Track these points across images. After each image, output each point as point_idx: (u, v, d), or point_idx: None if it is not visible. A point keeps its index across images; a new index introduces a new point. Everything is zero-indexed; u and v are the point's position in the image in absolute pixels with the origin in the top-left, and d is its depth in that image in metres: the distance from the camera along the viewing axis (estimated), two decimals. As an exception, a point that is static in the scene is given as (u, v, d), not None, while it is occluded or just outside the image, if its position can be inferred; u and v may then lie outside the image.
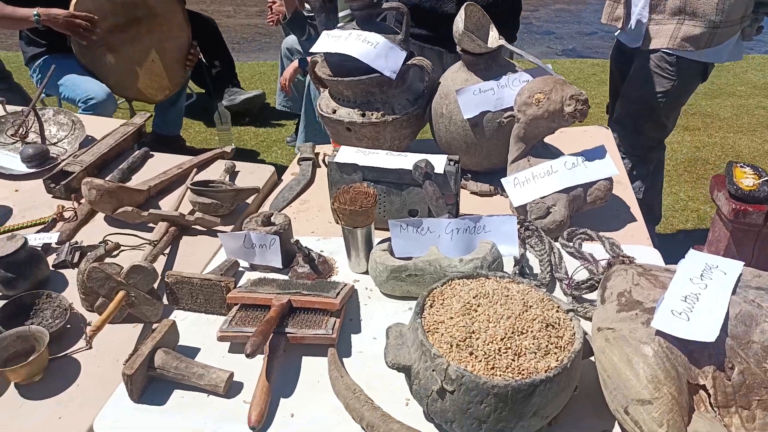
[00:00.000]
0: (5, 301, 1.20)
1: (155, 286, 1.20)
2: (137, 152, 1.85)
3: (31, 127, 1.91)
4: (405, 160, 1.44)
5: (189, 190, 1.53)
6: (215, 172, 1.79)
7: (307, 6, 3.49)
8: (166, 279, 1.20)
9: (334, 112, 1.65)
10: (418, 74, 1.70)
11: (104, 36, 2.82)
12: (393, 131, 1.64)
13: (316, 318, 1.10)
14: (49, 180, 1.64)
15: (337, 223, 1.28)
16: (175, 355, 1.01)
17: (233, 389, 1.01)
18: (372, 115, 1.61)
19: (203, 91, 4.33)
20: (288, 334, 1.06)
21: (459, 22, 1.50)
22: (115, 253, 1.41)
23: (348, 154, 1.48)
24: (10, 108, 2.12)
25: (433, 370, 0.85)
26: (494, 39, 1.57)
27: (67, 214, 1.52)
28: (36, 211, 1.59)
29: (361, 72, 1.57)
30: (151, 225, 1.52)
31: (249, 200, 1.63)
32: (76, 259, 1.38)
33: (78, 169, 1.68)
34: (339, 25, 1.77)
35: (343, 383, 0.98)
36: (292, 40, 3.64)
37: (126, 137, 1.88)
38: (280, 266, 1.31)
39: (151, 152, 1.88)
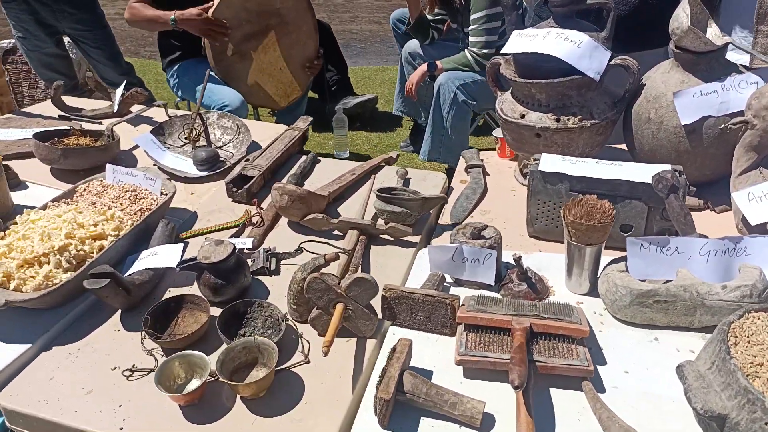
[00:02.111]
0: (223, 309, 1.17)
1: (369, 299, 1.14)
2: (306, 157, 1.82)
3: (201, 131, 1.93)
4: (619, 170, 1.31)
5: (376, 197, 1.47)
6: (383, 177, 1.73)
7: (435, 10, 3.43)
8: (383, 293, 1.13)
9: (523, 116, 1.54)
10: (616, 75, 1.55)
11: (238, 43, 2.86)
12: (588, 138, 1.51)
13: (561, 345, 0.99)
14: (231, 184, 1.63)
15: (536, 237, 1.16)
16: (422, 379, 0.93)
17: (485, 421, 0.91)
18: (568, 120, 1.48)
19: (315, 95, 4.36)
20: (537, 363, 0.96)
21: (683, 18, 1.34)
22: (303, 260, 1.37)
23: (552, 163, 1.36)
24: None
25: (766, 424, 0.71)
26: (715, 36, 1.40)
27: (254, 219, 1.50)
28: (219, 214, 1.59)
29: (553, 74, 1.46)
30: (336, 233, 1.47)
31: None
32: (273, 266, 1.34)
33: (256, 173, 1.66)
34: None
35: (618, 426, 0.86)
36: (414, 44, 3.58)
37: (294, 142, 1.86)
38: (492, 283, 1.21)
39: (318, 157, 1.85)
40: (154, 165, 1.85)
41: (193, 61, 3.06)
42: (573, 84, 1.45)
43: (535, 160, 1.40)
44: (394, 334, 1.13)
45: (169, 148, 1.93)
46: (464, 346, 1.00)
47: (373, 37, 7.62)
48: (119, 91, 2.18)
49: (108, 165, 1.56)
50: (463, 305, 1.09)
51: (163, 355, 1.13)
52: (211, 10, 2.70)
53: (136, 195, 1.50)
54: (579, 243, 1.13)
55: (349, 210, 1.59)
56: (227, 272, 1.23)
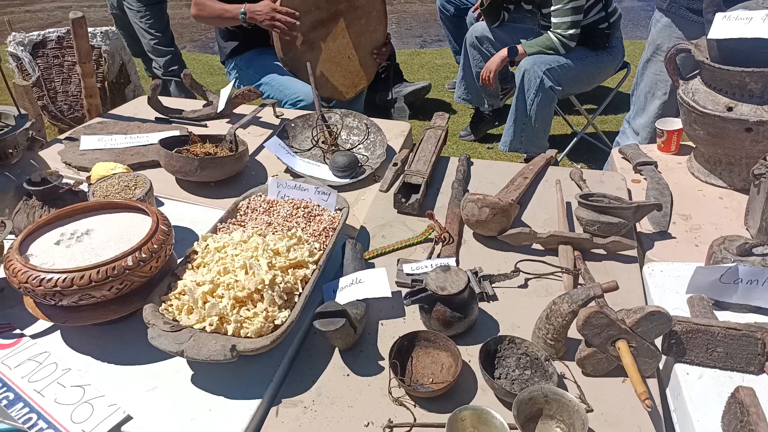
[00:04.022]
0: (480, 348, 1.01)
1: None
2: (461, 159, 1.65)
3: (338, 132, 1.76)
4: None
5: (579, 204, 1.32)
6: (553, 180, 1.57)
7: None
8: (673, 327, 0.98)
9: (730, 109, 1.38)
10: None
11: (306, 32, 2.66)
12: (805, 132, 1.36)
13: None
14: (400, 194, 1.46)
15: None
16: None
17: None
18: (789, 113, 1.33)
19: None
20: None
21: None
22: (517, 282, 1.22)
23: (799, 164, 1.21)
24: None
25: None
26: None
27: (444, 235, 1.33)
28: (391, 229, 1.42)
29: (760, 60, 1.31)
30: (534, 246, 1.32)
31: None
32: (491, 291, 1.19)
33: (421, 180, 1.49)
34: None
35: None
36: (481, 27, 3.39)
37: (440, 142, 1.69)
38: (771, 306, 1.07)
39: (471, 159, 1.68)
40: (286, 173, 1.69)
41: (255, 51, 2.85)
42: (800, 73, 1.30)
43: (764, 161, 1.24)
44: (688, 373, 0.98)
45: (296, 152, 1.75)
46: (808, 392, 0.86)
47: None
48: (227, 90, 1.98)
49: (271, 178, 1.39)
50: (769, 338, 0.95)
51: (415, 405, 0.98)
52: (279, 1, 2.49)
53: (310, 212, 1.32)
54: None
55: (532, 219, 1.43)
56: (462, 303, 1.07)
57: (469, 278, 1.08)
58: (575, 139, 3.40)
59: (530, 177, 1.54)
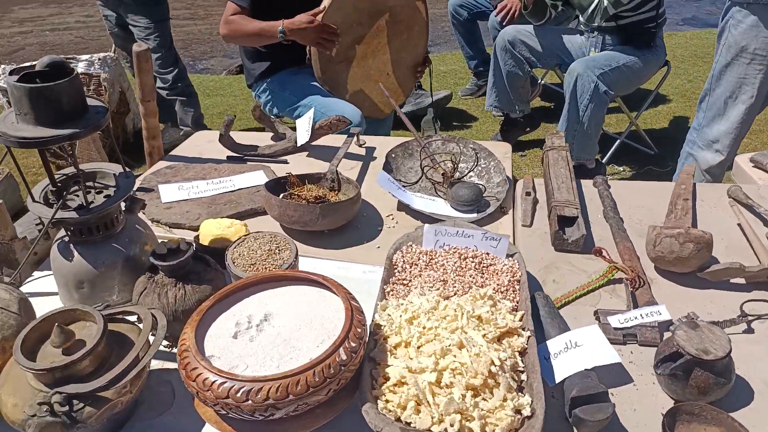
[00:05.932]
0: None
1: None
2: (600, 180, 1.50)
3: (457, 162, 1.57)
4: None
5: (779, 232, 1.18)
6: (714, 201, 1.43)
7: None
8: None
9: None
10: None
11: (347, 49, 2.48)
12: None
13: None
14: (561, 231, 1.29)
15: None
16: None
17: None
18: None
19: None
20: None
21: None
22: (740, 326, 1.06)
23: None
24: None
25: None
26: None
27: (624, 278, 1.17)
28: (559, 272, 1.25)
29: None
30: (734, 281, 1.17)
31: None
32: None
33: (575, 212, 1.33)
34: None
35: None
36: (512, 31, 3.27)
37: (569, 164, 1.53)
38: None
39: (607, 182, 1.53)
40: (399, 210, 1.50)
41: (289, 72, 2.64)
42: None
43: None
44: None
45: (405, 186, 1.57)
46: None
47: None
48: (305, 120, 1.78)
49: (426, 225, 1.20)
50: None
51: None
52: (320, 15, 2.29)
53: (480, 262, 1.14)
54: None
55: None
56: (725, 366, 0.91)
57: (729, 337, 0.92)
58: (617, 142, 3.31)
59: (690, 198, 1.39)
